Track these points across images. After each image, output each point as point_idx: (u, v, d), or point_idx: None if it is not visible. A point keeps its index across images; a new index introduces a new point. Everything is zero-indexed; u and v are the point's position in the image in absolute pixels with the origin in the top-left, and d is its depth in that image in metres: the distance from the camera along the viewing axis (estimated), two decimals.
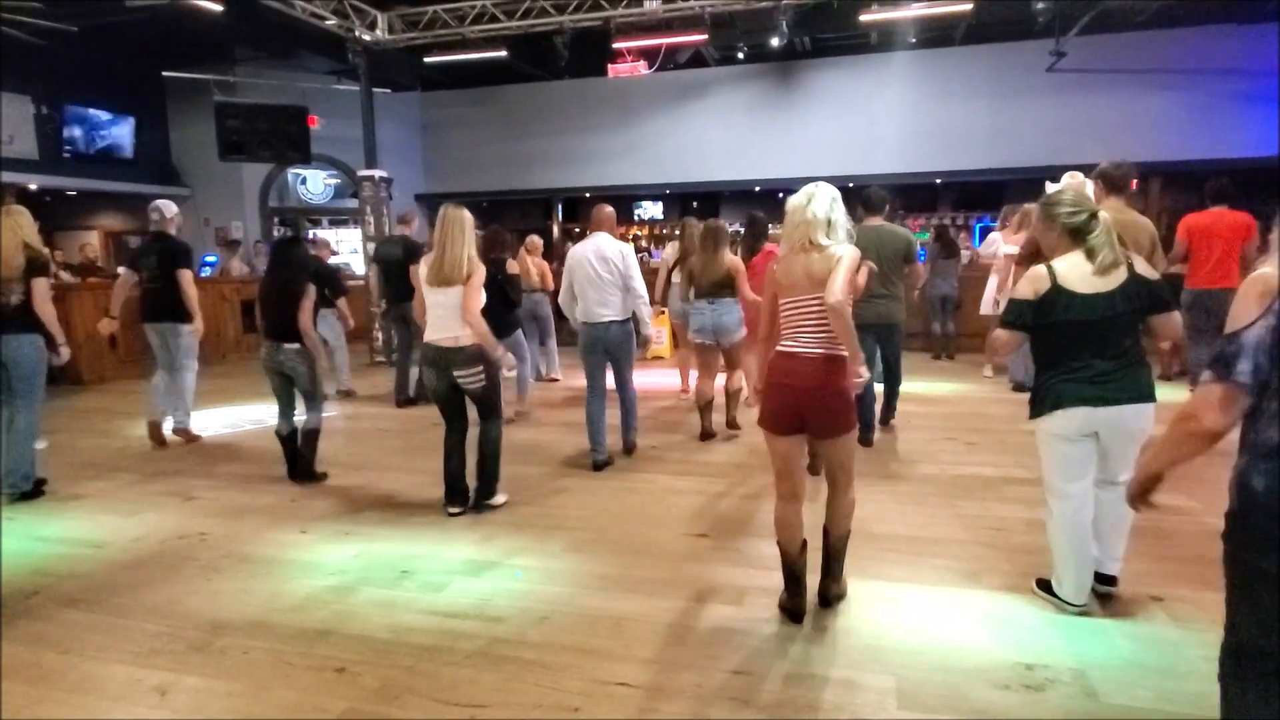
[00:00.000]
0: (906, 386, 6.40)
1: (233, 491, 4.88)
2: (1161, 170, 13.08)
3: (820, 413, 2.86)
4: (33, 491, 4.78)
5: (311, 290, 4.95)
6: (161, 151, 14.79)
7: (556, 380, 8.46)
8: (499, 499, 4.43)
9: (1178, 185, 13.60)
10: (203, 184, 15.01)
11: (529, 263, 7.72)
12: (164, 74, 13.13)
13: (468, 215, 4.19)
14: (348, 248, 16.44)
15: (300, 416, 5.08)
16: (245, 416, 7.05)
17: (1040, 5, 7.89)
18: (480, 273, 4.11)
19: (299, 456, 5.03)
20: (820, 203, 2.89)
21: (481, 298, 4.09)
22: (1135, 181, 4.35)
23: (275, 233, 16.57)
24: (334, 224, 17.45)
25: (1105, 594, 3.10)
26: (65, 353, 4.88)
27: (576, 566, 3.61)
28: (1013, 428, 5.97)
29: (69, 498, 4.83)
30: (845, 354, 2.86)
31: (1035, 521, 3.97)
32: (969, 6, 8.32)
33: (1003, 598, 3.17)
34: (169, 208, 6.00)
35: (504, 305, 6.07)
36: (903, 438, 5.75)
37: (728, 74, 14.55)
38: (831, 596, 3.13)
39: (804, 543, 3.04)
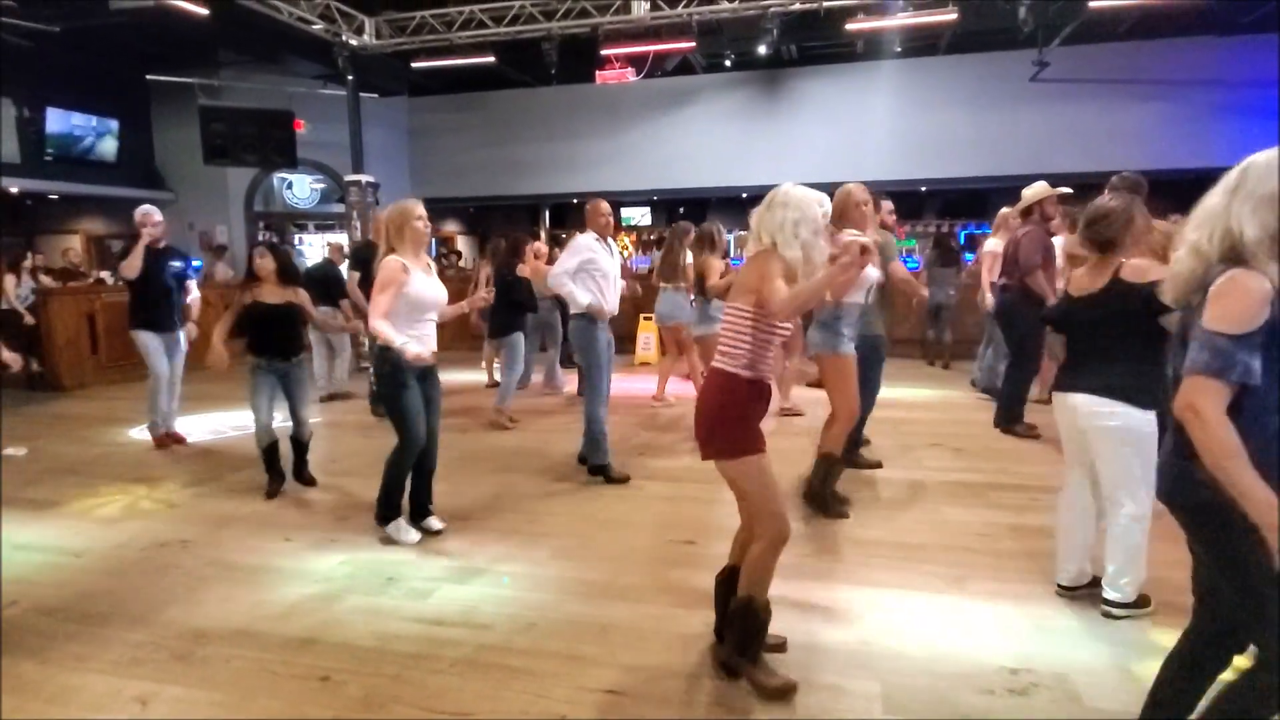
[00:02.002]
0: (896, 393, 6.52)
1: (216, 499, 4.83)
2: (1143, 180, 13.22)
3: (696, 429, 2.65)
4: None
5: (306, 297, 4.99)
6: (145, 155, 14.65)
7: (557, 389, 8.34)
8: (400, 531, 3.98)
9: (1158, 194, 13.74)
10: (187, 188, 14.86)
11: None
12: (148, 77, 13.01)
13: (390, 210, 3.88)
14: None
15: (282, 424, 4.98)
16: (229, 422, 6.97)
17: (1023, 16, 7.94)
18: (385, 270, 3.68)
19: (298, 464, 5.09)
20: (755, 211, 2.67)
21: (385, 299, 3.66)
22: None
23: (260, 238, 16.48)
24: (320, 229, 17.38)
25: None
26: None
27: (562, 573, 3.60)
28: (998, 434, 6.03)
29: (49, 505, 4.76)
30: (733, 369, 2.55)
31: (1020, 527, 4.03)
32: (954, 16, 8.40)
33: (988, 603, 3.19)
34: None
35: (506, 306, 6.43)
36: (890, 444, 5.77)
37: (715, 81, 14.61)
38: (724, 662, 2.69)
39: (727, 570, 2.79)
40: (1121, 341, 2.91)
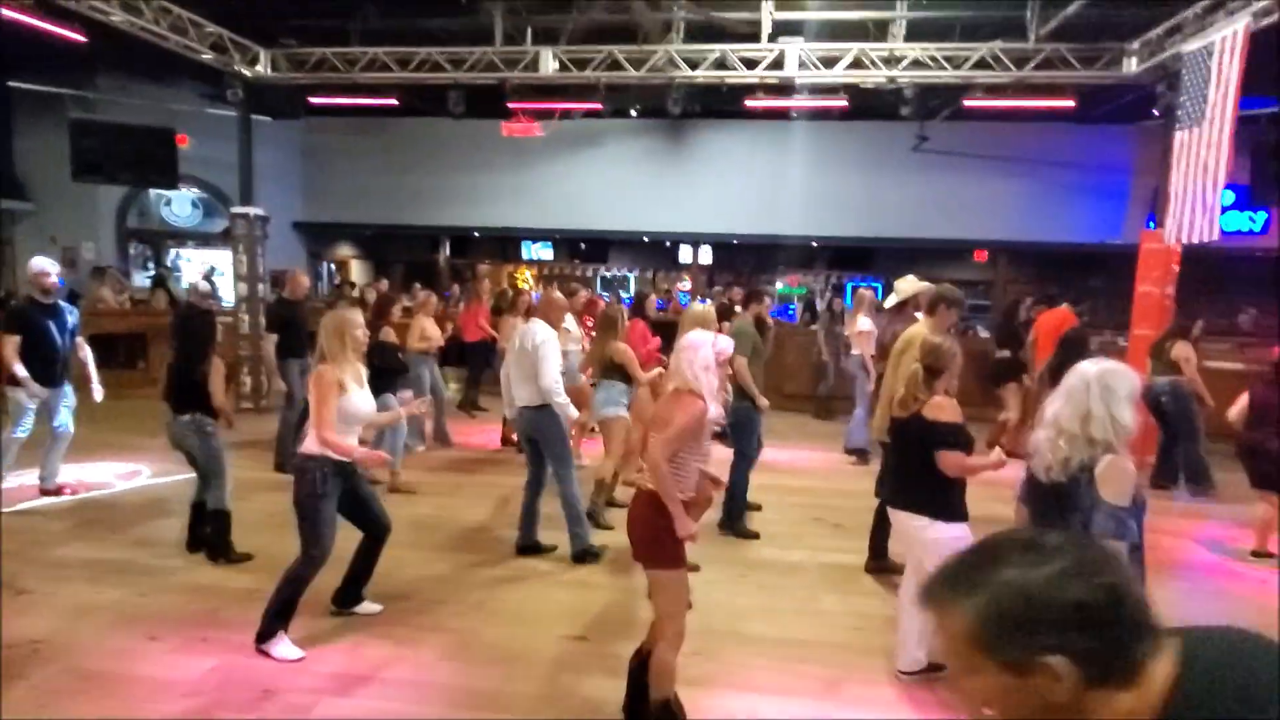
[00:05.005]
0: (784, 455, 7.44)
1: (74, 582, 4.48)
2: (1007, 248, 14.43)
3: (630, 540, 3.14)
4: None
5: (219, 364, 4.79)
6: (3, 163, 13.48)
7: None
8: (282, 650, 3.67)
9: (1021, 262, 15.05)
10: (50, 199, 13.77)
11: (419, 323, 7.53)
12: (10, 84, 12.01)
13: (329, 317, 3.93)
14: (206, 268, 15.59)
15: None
16: (88, 475, 6.46)
17: (905, 111, 8.56)
18: (323, 383, 3.71)
19: (210, 541, 4.85)
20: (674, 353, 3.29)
21: (328, 411, 3.69)
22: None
23: (130, 251, 15.44)
24: (200, 246, 16.47)
25: None
26: None
27: (450, 679, 3.56)
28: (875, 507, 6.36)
29: None
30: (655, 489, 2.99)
31: (893, 619, 4.27)
32: (843, 103, 8.97)
33: (862, 710, 3.39)
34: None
35: (375, 375, 6.04)
36: (773, 518, 5.99)
37: (620, 126, 14.85)
38: None
39: (640, 653, 3.18)
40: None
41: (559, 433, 5.02)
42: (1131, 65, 8.35)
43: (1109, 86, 8.99)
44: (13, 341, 5.55)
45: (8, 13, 6.72)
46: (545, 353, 4.93)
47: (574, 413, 5.04)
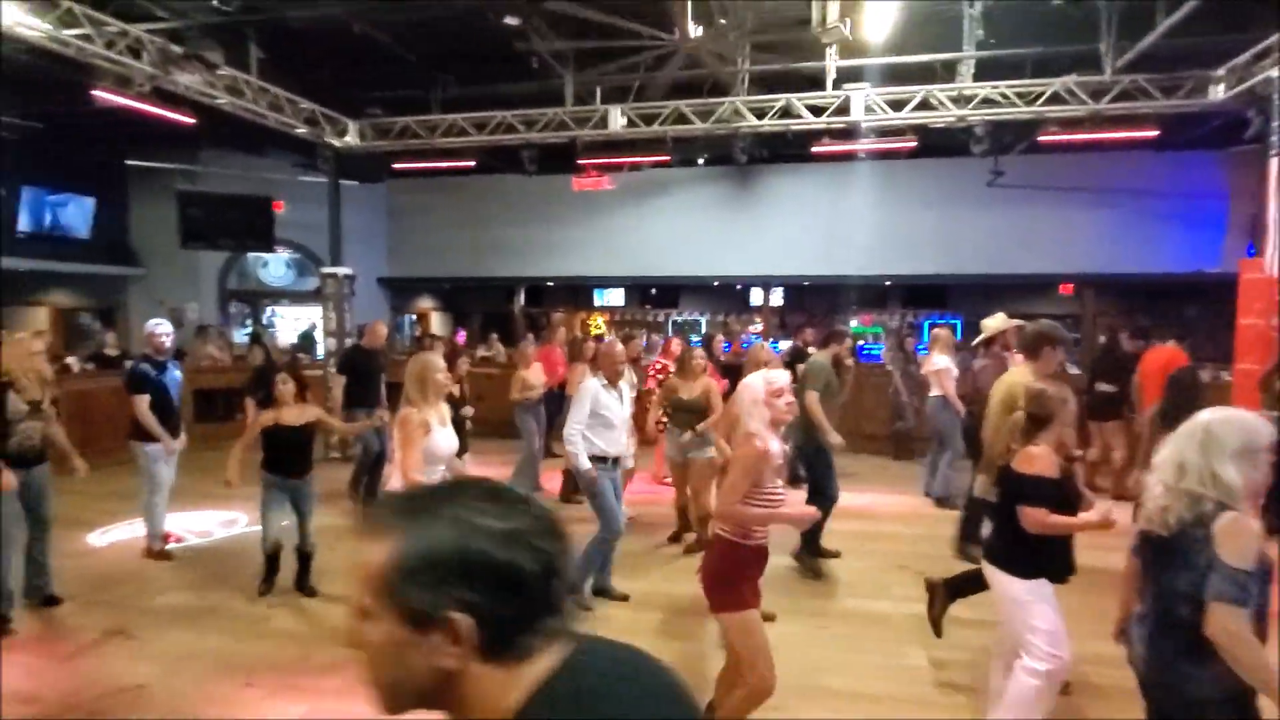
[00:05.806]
0: (866, 500, 7.27)
1: (176, 629, 4.73)
2: (1094, 281, 13.87)
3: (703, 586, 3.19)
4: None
5: (258, 415, 5.23)
6: (119, 232, 14.68)
7: None
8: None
9: (1109, 294, 14.43)
10: (160, 264, 14.86)
11: (519, 376, 7.75)
12: (127, 162, 13.14)
13: (412, 363, 4.19)
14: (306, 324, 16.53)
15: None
16: (191, 524, 6.83)
17: (976, 148, 8.45)
18: (409, 426, 3.93)
19: (302, 574, 5.27)
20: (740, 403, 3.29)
21: (414, 454, 3.89)
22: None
23: (230, 310, 16.46)
24: (294, 304, 17.42)
25: None
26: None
27: None
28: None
29: None
30: (728, 535, 3.09)
31: (976, 666, 4.09)
32: (913, 143, 8.92)
33: None
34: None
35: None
36: (854, 566, 5.84)
37: (689, 174, 15.09)
38: None
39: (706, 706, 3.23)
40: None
41: (589, 488, 4.89)
42: (1218, 92, 8.04)
43: (1194, 114, 8.67)
44: (144, 400, 5.82)
45: (128, 101, 7.36)
46: (573, 400, 5.09)
47: (585, 464, 4.78)
